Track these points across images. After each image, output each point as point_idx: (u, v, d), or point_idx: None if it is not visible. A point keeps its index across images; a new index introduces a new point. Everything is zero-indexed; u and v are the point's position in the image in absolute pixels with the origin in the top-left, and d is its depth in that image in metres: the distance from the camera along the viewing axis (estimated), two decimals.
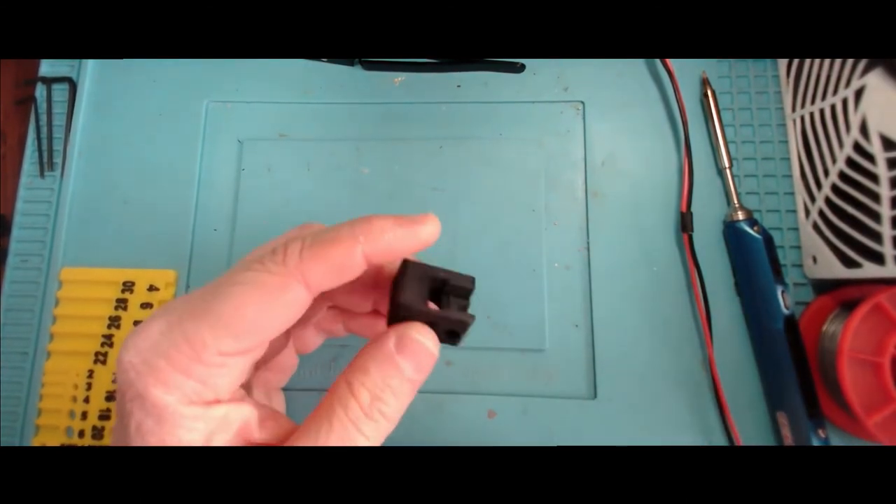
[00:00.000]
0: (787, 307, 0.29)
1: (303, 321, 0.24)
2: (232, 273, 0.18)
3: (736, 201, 0.31)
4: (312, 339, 0.25)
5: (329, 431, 0.18)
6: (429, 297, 0.20)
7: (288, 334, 0.24)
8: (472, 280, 0.20)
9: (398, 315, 0.19)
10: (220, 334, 0.17)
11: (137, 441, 0.17)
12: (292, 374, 0.26)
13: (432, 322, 0.19)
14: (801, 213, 0.31)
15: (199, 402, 0.17)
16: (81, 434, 0.31)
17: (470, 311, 0.20)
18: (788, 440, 0.28)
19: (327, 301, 0.23)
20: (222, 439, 0.18)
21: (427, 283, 0.20)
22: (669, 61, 0.32)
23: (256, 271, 0.18)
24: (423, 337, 0.19)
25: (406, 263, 0.20)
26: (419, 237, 0.19)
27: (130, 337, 0.17)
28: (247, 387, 0.22)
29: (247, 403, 0.19)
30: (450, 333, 0.20)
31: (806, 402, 0.28)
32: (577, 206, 0.33)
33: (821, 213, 0.29)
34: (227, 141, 0.34)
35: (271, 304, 0.17)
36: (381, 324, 0.24)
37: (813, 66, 0.30)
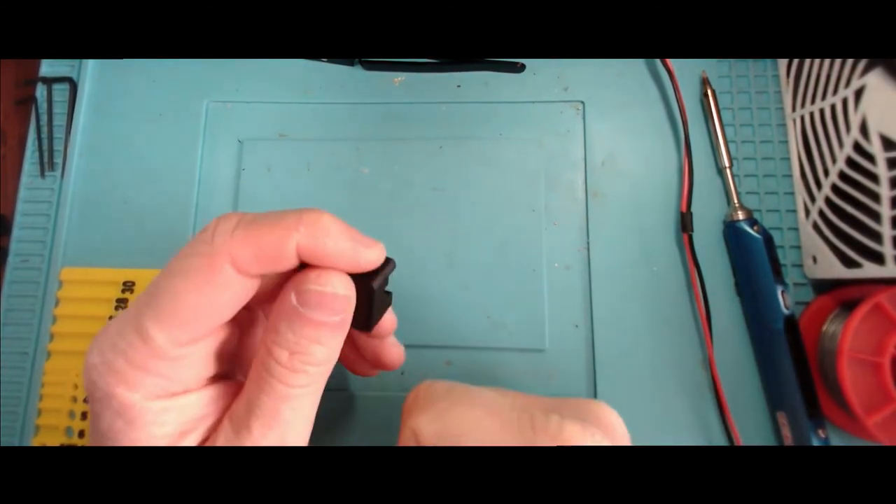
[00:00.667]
0: (787, 307, 0.29)
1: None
2: (170, 262, 0.17)
3: (736, 201, 0.31)
4: None
5: (259, 392, 0.17)
6: None
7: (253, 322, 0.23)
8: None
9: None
10: (165, 327, 0.16)
11: (109, 442, 0.17)
12: None
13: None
14: (801, 213, 0.31)
15: (165, 396, 0.17)
16: (81, 434, 0.31)
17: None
18: (788, 440, 0.28)
19: None
20: (204, 425, 0.18)
21: None
22: (669, 61, 0.32)
23: (186, 256, 0.17)
24: (320, 285, 0.17)
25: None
26: (359, 256, 0.18)
27: (95, 338, 0.17)
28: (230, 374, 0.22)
29: (219, 383, 0.19)
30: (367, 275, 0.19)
31: (806, 402, 0.28)
32: (577, 206, 0.33)
33: (821, 213, 0.29)
34: (227, 141, 0.34)
35: (205, 289, 0.17)
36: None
37: (813, 66, 0.30)
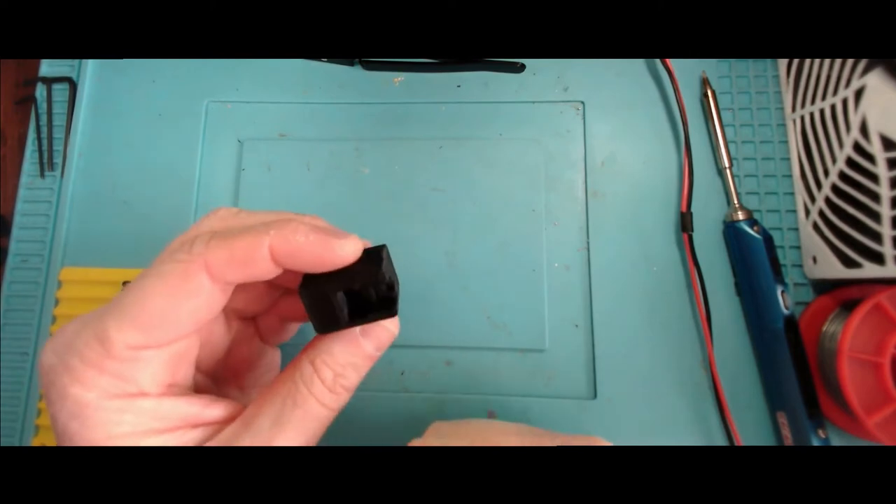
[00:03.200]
0: (787, 307, 0.29)
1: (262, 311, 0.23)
2: (148, 267, 0.18)
3: (736, 201, 0.31)
4: (283, 329, 0.25)
5: (294, 407, 0.18)
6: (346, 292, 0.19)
7: (252, 332, 0.23)
8: (376, 270, 0.18)
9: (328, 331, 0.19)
10: (124, 327, 0.17)
11: (66, 443, 0.17)
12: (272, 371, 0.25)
13: (363, 311, 0.19)
14: (801, 213, 0.31)
15: (122, 396, 0.17)
16: None
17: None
18: (788, 440, 0.28)
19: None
20: (159, 429, 0.18)
21: (340, 285, 0.18)
22: (669, 61, 0.32)
23: (162, 262, 0.18)
24: (387, 322, 0.20)
25: (306, 280, 0.19)
26: (334, 251, 0.18)
27: (49, 340, 0.17)
28: (206, 382, 0.22)
29: (183, 396, 0.19)
30: (385, 302, 0.19)
31: (806, 402, 0.28)
32: (577, 206, 0.33)
33: (821, 213, 0.29)
34: (227, 141, 0.34)
35: (174, 294, 0.17)
36: None
37: (813, 66, 0.30)
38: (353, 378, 0.19)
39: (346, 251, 0.18)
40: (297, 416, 0.18)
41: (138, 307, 0.17)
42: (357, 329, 0.19)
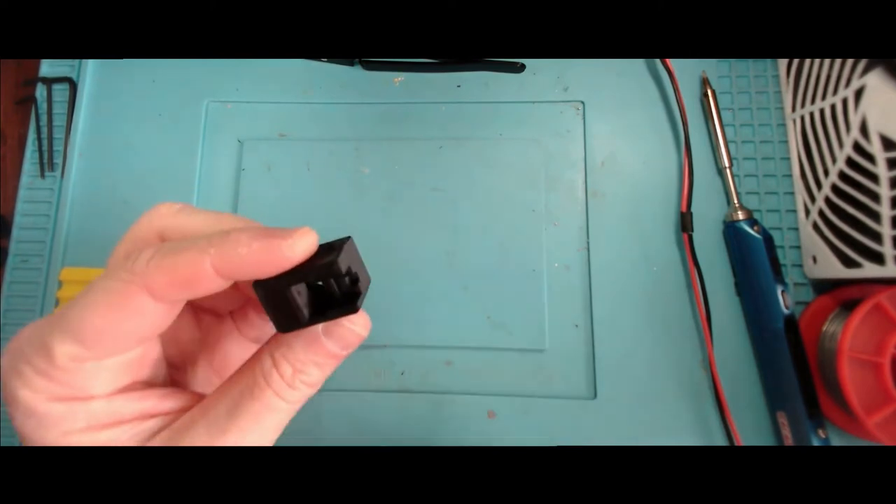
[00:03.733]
0: (787, 307, 0.29)
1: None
2: (97, 277, 0.18)
3: (736, 201, 0.31)
4: (262, 324, 0.24)
5: (250, 398, 0.18)
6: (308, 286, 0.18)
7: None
8: (332, 262, 0.17)
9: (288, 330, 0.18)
10: (67, 340, 0.17)
11: (25, 440, 0.17)
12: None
13: (325, 307, 0.18)
14: (801, 213, 0.31)
15: (70, 399, 0.17)
16: None
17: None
18: (788, 440, 0.28)
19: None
20: (113, 422, 0.18)
21: (294, 283, 0.17)
22: (669, 61, 0.32)
23: (108, 278, 0.17)
24: (351, 323, 0.19)
25: (256, 287, 0.18)
26: (281, 252, 0.17)
27: (9, 342, 0.18)
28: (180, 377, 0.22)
29: (136, 391, 0.19)
30: (348, 297, 0.18)
31: (806, 402, 0.28)
32: (577, 206, 0.33)
33: (821, 213, 0.29)
34: (227, 141, 0.34)
35: (116, 313, 0.17)
36: None
37: (813, 66, 0.30)
38: (315, 375, 0.19)
39: (296, 250, 0.17)
40: (255, 408, 0.18)
41: (80, 322, 0.17)
42: (319, 327, 0.18)
